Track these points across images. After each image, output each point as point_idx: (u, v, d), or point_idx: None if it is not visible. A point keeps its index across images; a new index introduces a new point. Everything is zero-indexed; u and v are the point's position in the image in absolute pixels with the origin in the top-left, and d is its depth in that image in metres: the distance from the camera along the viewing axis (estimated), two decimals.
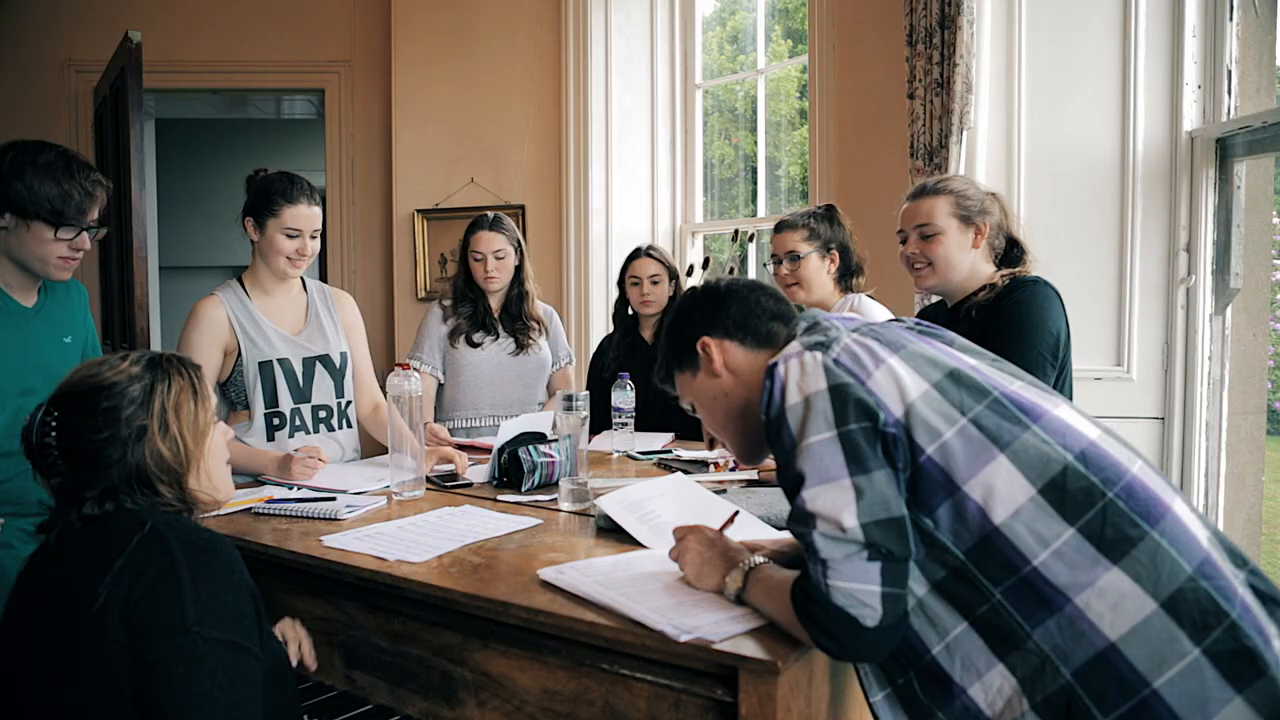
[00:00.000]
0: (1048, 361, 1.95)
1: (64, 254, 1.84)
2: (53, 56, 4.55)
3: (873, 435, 1.13)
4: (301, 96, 6.05)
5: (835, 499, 1.11)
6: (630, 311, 3.12)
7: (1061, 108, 2.82)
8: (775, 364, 1.21)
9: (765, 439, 1.24)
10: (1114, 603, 1.06)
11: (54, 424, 1.29)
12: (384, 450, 2.28)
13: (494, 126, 4.33)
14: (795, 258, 2.54)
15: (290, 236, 2.30)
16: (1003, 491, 1.11)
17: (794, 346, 1.22)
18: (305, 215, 2.31)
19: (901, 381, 1.16)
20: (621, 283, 3.11)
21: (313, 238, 2.34)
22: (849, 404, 1.14)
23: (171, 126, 6.43)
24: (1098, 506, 1.10)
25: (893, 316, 2.26)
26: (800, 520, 1.15)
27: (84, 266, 4.49)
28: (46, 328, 1.90)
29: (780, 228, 2.58)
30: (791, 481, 1.17)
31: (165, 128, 6.05)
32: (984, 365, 1.24)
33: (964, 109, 2.82)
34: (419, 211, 4.40)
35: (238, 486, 2.20)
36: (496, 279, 2.87)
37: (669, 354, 1.44)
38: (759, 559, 1.32)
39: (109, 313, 4.30)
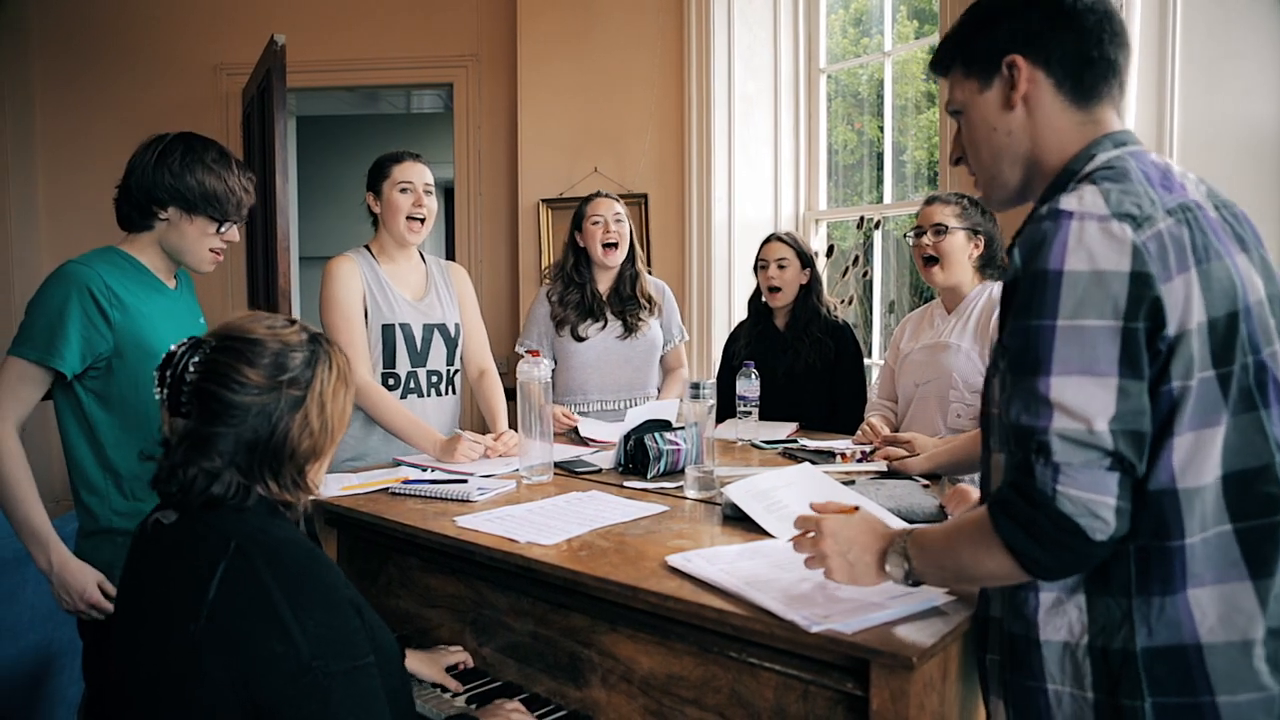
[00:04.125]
0: None
1: (217, 247, 1.94)
2: (206, 61, 4.84)
3: (1150, 342, 1.00)
4: (430, 91, 6.23)
5: (1094, 395, 0.98)
6: (764, 299, 3.07)
7: (1220, 79, 2.63)
8: (1069, 213, 1.02)
9: (1008, 290, 1.07)
10: (1225, 613, 1.00)
11: (202, 360, 1.17)
12: (482, 418, 2.44)
13: (617, 116, 4.35)
14: (941, 230, 2.42)
15: (404, 190, 2.45)
16: (1202, 461, 1.01)
17: (1096, 200, 1.03)
18: (414, 169, 2.47)
19: (1191, 301, 1.00)
20: (756, 268, 3.07)
21: (427, 193, 2.48)
22: (1145, 300, 0.98)
23: (309, 123, 6.73)
24: (1270, 519, 1.01)
25: None
26: (1029, 409, 1.00)
27: (230, 256, 4.78)
28: (186, 308, 2.02)
29: (931, 201, 2.48)
30: (1033, 356, 1.01)
31: (303, 124, 6.33)
32: (1266, 311, 1.08)
33: None
34: (543, 201, 4.47)
35: (373, 467, 2.30)
36: (620, 244, 2.87)
37: (960, 39, 1.19)
38: (903, 527, 1.22)
39: (254, 300, 4.54)
